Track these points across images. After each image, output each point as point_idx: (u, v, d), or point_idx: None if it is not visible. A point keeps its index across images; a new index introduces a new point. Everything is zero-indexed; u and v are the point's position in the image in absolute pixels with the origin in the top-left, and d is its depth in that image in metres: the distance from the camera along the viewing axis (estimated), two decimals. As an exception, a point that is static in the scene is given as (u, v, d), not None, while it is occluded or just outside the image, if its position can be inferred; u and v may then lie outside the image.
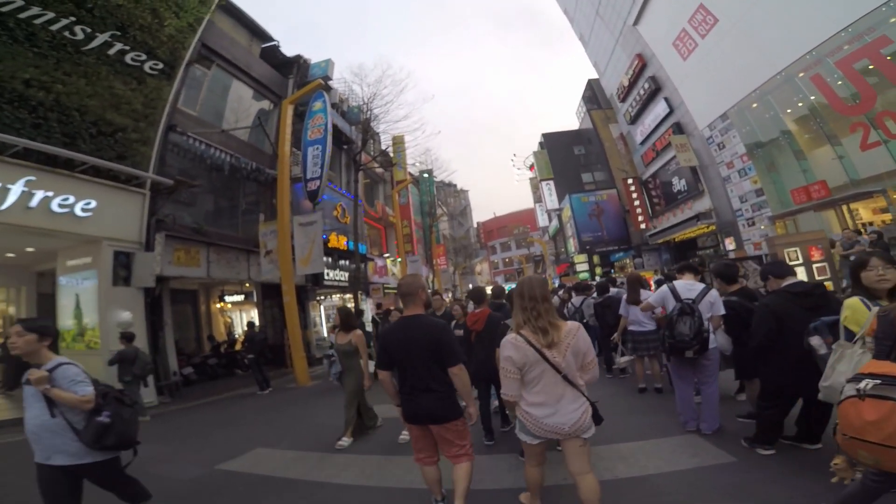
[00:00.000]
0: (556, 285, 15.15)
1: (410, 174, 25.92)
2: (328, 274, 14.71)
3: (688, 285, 3.96)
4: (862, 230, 12.03)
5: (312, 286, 14.10)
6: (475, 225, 66.78)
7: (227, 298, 14.36)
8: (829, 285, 9.05)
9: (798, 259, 9.57)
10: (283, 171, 10.88)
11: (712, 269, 4.44)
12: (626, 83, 25.25)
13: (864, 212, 14.32)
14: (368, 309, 18.53)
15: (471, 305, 5.13)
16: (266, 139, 13.20)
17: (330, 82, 17.75)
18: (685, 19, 18.01)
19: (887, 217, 13.24)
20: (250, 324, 9.60)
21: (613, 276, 18.80)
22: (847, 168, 13.44)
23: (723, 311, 3.83)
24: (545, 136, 39.04)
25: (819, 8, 12.63)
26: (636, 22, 21.91)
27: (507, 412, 3.71)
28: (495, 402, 4.82)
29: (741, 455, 3.41)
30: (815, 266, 9.45)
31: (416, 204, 28.98)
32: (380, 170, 24.22)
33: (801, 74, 14.05)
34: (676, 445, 3.83)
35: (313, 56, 16.92)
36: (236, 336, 14.28)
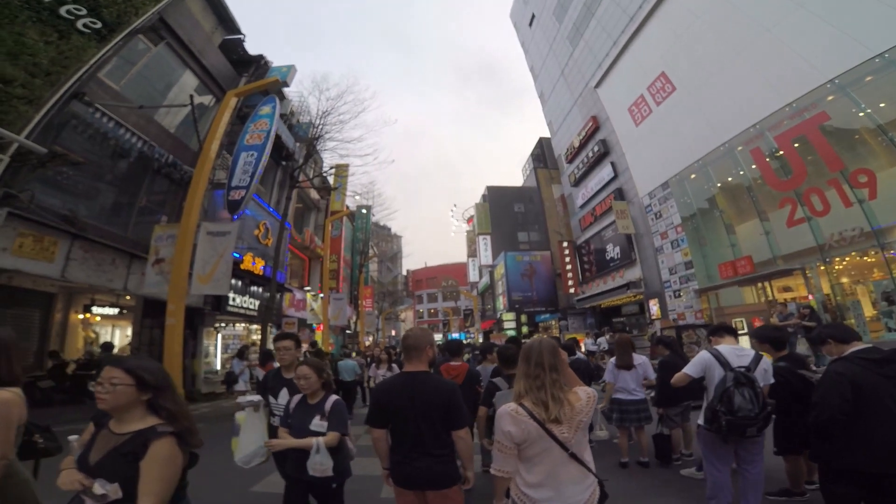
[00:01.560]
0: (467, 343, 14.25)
1: (348, 207, 24.38)
2: (234, 299, 12.38)
3: (736, 350, 3.38)
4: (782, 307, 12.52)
5: (212, 311, 11.69)
6: (405, 272, 65.56)
7: (96, 309, 11.40)
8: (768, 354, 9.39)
9: (743, 328, 9.46)
10: (204, 167, 9.02)
11: (758, 335, 3.94)
12: (576, 144, 26.17)
13: (772, 289, 15.12)
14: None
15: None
16: (196, 136, 11.27)
17: (287, 90, 16.37)
18: (645, 85, 19.02)
19: (792, 295, 14.02)
20: (105, 345, 7.23)
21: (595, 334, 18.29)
22: (772, 244, 14.15)
23: (772, 380, 3.38)
24: (489, 188, 39.73)
25: (769, 83, 13.54)
26: (598, 84, 22.90)
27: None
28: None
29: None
30: (759, 337, 9.47)
31: (349, 240, 27.21)
32: (316, 196, 22.48)
33: (739, 149, 14.96)
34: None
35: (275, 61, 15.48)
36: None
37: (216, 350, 12.26)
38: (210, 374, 10.99)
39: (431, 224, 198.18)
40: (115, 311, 11.57)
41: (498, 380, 3.95)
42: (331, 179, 21.77)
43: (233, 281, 12.69)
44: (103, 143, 9.20)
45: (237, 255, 12.61)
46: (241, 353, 9.04)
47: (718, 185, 16.48)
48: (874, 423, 2.53)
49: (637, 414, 4.87)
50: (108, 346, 7.23)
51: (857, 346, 2.86)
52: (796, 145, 13.14)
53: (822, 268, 12.91)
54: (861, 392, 2.59)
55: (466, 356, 9.66)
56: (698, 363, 3.38)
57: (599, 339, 17.39)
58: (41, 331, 10.37)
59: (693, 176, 17.53)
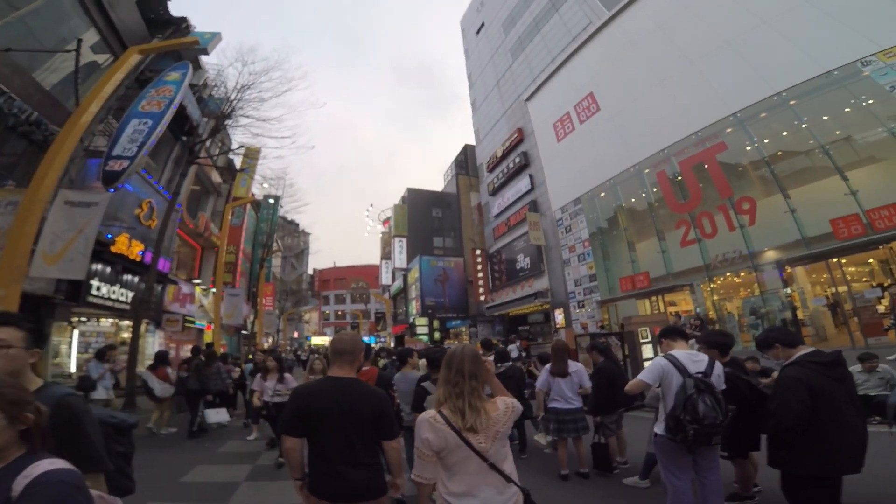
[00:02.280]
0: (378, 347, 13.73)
1: (254, 194, 22.19)
2: (98, 288, 10.29)
3: (691, 356, 3.23)
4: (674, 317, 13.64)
5: (66, 301, 9.53)
6: (311, 271, 62.32)
7: None
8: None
9: (648, 337, 9.98)
10: (76, 124, 7.38)
11: (706, 340, 3.79)
12: (499, 154, 26.73)
13: (662, 303, 16.57)
14: (156, 344, 13.87)
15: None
16: (75, 93, 9.27)
17: (205, 60, 14.40)
18: (573, 103, 19.86)
19: (676, 309, 15.50)
20: None
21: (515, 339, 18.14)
22: (667, 262, 15.42)
23: (724, 386, 3.23)
24: (409, 190, 39.10)
25: (682, 111, 14.76)
26: (530, 98, 23.55)
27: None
28: None
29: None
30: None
31: (251, 231, 24.84)
32: (218, 179, 20.09)
33: (646, 171, 16.14)
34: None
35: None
36: None
37: (70, 349, 10.01)
38: (61, 378, 8.87)
39: (344, 224, 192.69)
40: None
41: (427, 384, 3.85)
42: (238, 161, 19.62)
43: (99, 266, 10.58)
44: None
45: (108, 237, 10.55)
46: (101, 354, 7.34)
47: (624, 203, 17.69)
48: (830, 427, 2.55)
49: (575, 423, 4.62)
50: None
51: (803, 350, 2.84)
52: (695, 171, 14.50)
53: (705, 285, 14.34)
54: (816, 396, 2.57)
55: (382, 361, 8.97)
56: (655, 369, 3.16)
57: (510, 347, 17.62)
58: None
59: (603, 194, 18.65)
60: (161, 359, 8.78)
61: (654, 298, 16.58)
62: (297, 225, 52.52)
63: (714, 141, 13.80)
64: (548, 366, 4.84)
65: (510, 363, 5.75)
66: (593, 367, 5.10)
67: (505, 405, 1.94)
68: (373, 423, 2.21)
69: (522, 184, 24.26)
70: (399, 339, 35.41)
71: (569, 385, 4.63)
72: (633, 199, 17.56)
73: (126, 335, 13.88)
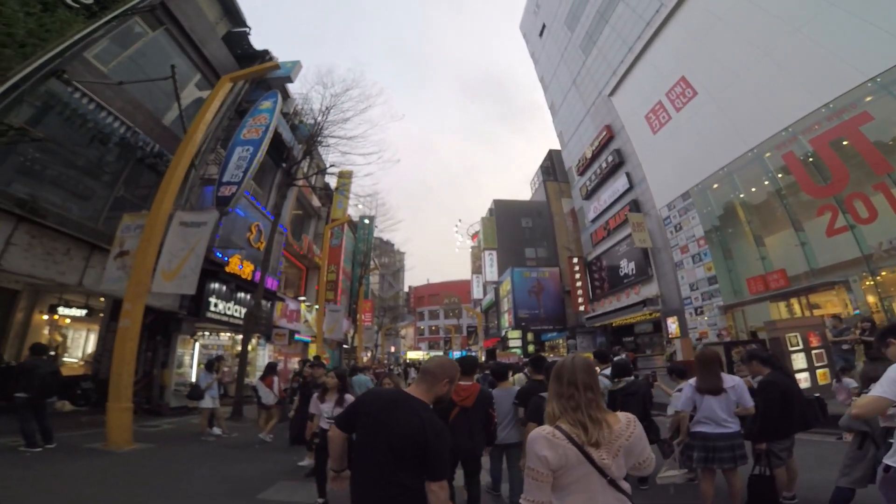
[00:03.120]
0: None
1: (349, 215, 23.36)
2: (216, 304, 11.18)
3: None
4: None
5: (189, 316, 10.46)
6: (406, 289, 64.34)
7: (63, 310, 10.25)
8: (823, 372, 8.34)
9: (798, 345, 8.27)
10: (186, 150, 8.20)
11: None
12: (588, 155, 25.26)
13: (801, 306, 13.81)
14: (266, 356, 14.79)
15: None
16: (180, 118, 10.43)
17: (291, 90, 15.72)
18: (664, 91, 18.04)
19: (820, 312, 12.74)
20: (35, 346, 5.99)
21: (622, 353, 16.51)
22: (809, 256, 12.93)
23: None
24: (496, 202, 38.73)
25: (801, 84, 12.60)
26: (612, 92, 22.00)
27: None
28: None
29: None
30: (813, 353, 8.52)
31: (349, 250, 26.09)
32: (317, 203, 21.50)
33: (767, 154, 13.91)
34: None
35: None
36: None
37: (192, 360, 10.97)
38: (182, 387, 9.71)
39: (434, 241, 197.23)
40: (83, 312, 10.39)
41: (547, 394, 3.06)
42: (332, 183, 20.89)
43: (216, 285, 11.54)
44: (81, 127, 8.37)
45: (223, 257, 11.48)
46: (210, 365, 7.79)
47: (745, 194, 15.38)
48: None
49: (731, 451, 3.57)
50: (39, 347, 5.97)
51: None
52: (835, 148, 12.13)
53: (869, 281, 11.71)
54: None
55: (476, 376, 8.42)
56: None
57: (616, 359, 16.02)
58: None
59: (716, 185, 16.46)
60: (270, 369, 9.09)
61: (791, 301, 14.04)
62: (392, 245, 54.76)
63: (853, 112, 11.46)
64: (691, 381, 3.83)
65: (633, 378, 4.80)
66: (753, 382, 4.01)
67: (626, 418, 1.80)
68: (413, 451, 1.95)
69: (619, 183, 22.50)
70: (490, 353, 34.60)
71: (723, 404, 3.60)
72: (753, 189, 15.23)
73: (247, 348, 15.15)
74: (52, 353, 10.31)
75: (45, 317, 10.16)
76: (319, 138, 13.99)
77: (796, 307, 14.07)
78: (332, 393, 4.63)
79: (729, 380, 3.63)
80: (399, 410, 2.03)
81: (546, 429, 1.75)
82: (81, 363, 11.02)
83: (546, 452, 1.68)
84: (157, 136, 10.16)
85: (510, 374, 6.30)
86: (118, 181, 9.68)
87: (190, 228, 7.90)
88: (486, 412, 3.90)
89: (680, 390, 4.57)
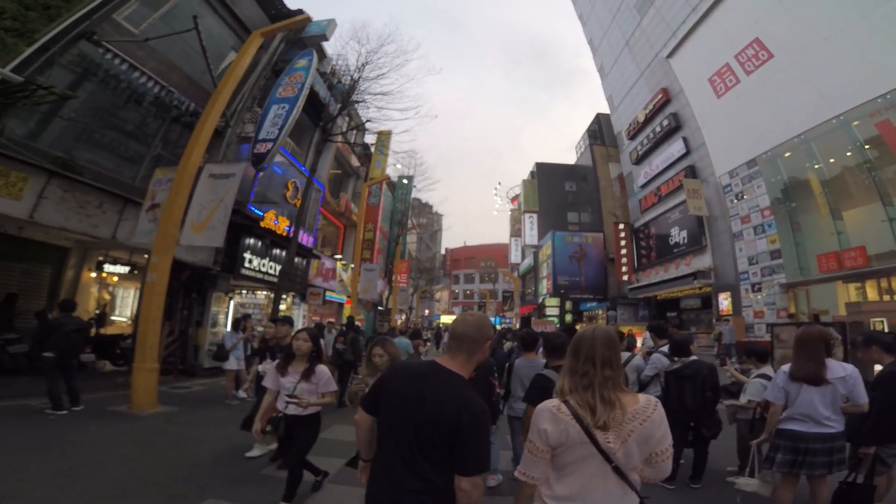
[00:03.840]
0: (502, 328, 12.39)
1: (388, 175, 22.92)
2: (250, 261, 11.17)
3: None
4: None
5: (224, 272, 10.49)
6: (443, 251, 64.26)
7: (109, 268, 10.50)
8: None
9: (885, 329, 7.21)
10: (216, 103, 7.90)
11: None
12: (641, 119, 23.76)
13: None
14: (300, 316, 14.97)
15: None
16: (208, 71, 10.24)
17: (326, 47, 15.17)
18: (732, 53, 16.57)
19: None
20: (64, 303, 5.94)
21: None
22: (896, 233, 11.41)
23: None
24: (538, 164, 37.23)
25: None
26: (671, 54, 20.50)
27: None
28: None
29: None
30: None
31: (387, 210, 25.83)
32: (356, 163, 21.17)
33: (855, 123, 12.21)
34: None
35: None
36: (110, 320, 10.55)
37: (227, 319, 11.10)
38: (213, 347, 9.81)
39: (473, 204, 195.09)
40: (126, 269, 10.61)
41: (548, 371, 3.26)
42: (371, 143, 20.43)
43: (251, 241, 11.51)
44: (116, 88, 8.36)
45: (258, 212, 11.40)
46: (237, 324, 7.66)
47: (822, 164, 13.69)
48: None
49: (829, 456, 2.88)
50: (67, 304, 5.93)
51: None
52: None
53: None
54: None
55: (507, 344, 7.95)
56: None
57: (645, 336, 15.18)
58: (51, 289, 9.58)
59: (788, 154, 14.79)
60: (319, 329, 8.88)
61: (866, 282, 12.59)
62: (430, 206, 54.33)
63: None
64: (784, 367, 3.08)
65: (693, 358, 4.08)
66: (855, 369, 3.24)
67: (647, 400, 1.62)
68: (443, 439, 1.64)
69: (675, 148, 20.81)
70: (525, 321, 34.14)
71: (826, 398, 2.86)
72: (832, 159, 13.57)
73: (282, 307, 15.35)
74: (98, 312, 10.64)
75: (94, 274, 10.41)
76: (355, 95, 13.41)
77: (870, 291, 12.64)
78: (299, 362, 3.39)
79: (838, 368, 2.89)
80: (429, 387, 1.71)
81: (553, 401, 1.66)
82: (129, 322, 11.35)
83: (547, 426, 1.59)
84: (193, 95, 10.07)
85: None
86: (155, 140, 9.72)
87: (219, 180, 7.68)
88: (487, 381, 3.64)
89: (762, 377, 3.88)
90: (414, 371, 1.80)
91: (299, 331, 3.58)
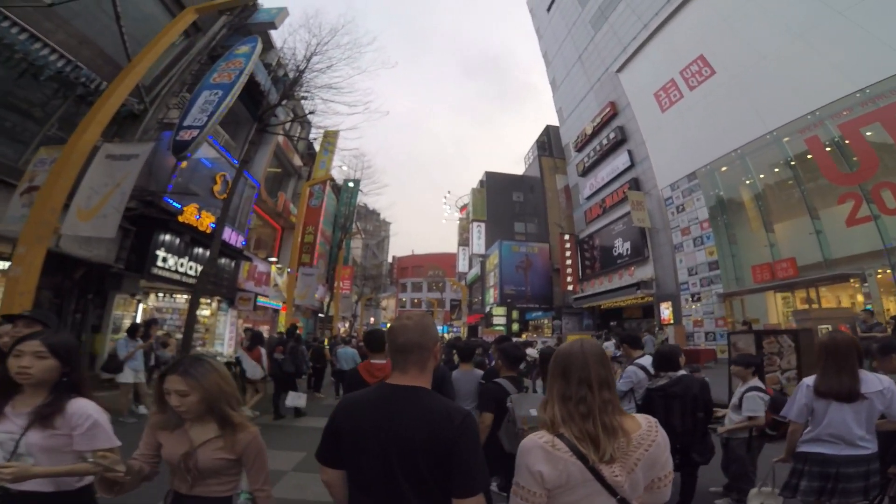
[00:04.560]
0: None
1: (332, 176, 21.73)
2: (164, 259, 9.72)
3: None
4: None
5: (129, 271, 9.00)
6: (390, 259, 63.07)
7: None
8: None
9: None
10: (127, 81, 6.71)
11: None
12: (588, 131, 24.30)
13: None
14: (227, 323, 13.47)
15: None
16: (123, 46, 8.86)
17: (273, 34, 13.97)
18: (678, 69, 17.20)
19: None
20: None
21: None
22: (823, 245, 12.05)
23: None
24: (488, 174, 37.36)
25: (836, 67, 11.67)
26: (621, 69, 21.13)
27: None
28: None
29: None
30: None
31: (330, 213, 24.52)
32: (299, 163, 19.78)
33: (786, 139, 12.88)
34: None
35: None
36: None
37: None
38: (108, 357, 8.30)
39: (421, 215, 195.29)
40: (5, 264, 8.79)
41: (503, 380, 3.21)
42: (317, 146, 19.22)
43: (167, 237, 10.06)
44: (10, 59, 7.00)
45: (176, 205, 9.99)
46: (133, 330, 6.44)
47: (756, 178, 14.42)
48: None
49: (863, 481, 2.42)
50: None
51: None
52: (868, 134, 11.17)
53: (883, 274, 10.92)
54: None
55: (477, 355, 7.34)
56: None
57: (606, 344, 15.13)
58: None
59: (725, 168, 15.47)
60: (257, 339, 8.10)
61: (788, 293, 13.31)
62: (378, 214, 52.99)
63: (891, 98, 10.52)
64: (807, 380, 2.57)
65: (682, 373, 3.47)
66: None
67: (647, 422, 1.43)
68: (434, 463, 1.39)
69: (620, 161, 21.41)
70: (472, 330, 33.78)
71: (861, 415, 2.41)
72: (763, 174, 14.44)
73: (206, 313, 13.73)
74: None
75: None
76: (301, 89, 12.31)
77: (796, 300, 13.35)
78: (30, 394, 1.73)
79: (874, 380, 2.43)
80: (398, 415, 1.47)
81: (544, 436, 1.41)
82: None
83: (542, 467, 1.34)
84: (108, 74, 8.62)
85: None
86: (52, 119, 8.23)
87: (118, 161, 6.43)
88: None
89: (753, 389, 3.42)
90: (369, 401, 1.53)
91: (27, 336, 1.79)
